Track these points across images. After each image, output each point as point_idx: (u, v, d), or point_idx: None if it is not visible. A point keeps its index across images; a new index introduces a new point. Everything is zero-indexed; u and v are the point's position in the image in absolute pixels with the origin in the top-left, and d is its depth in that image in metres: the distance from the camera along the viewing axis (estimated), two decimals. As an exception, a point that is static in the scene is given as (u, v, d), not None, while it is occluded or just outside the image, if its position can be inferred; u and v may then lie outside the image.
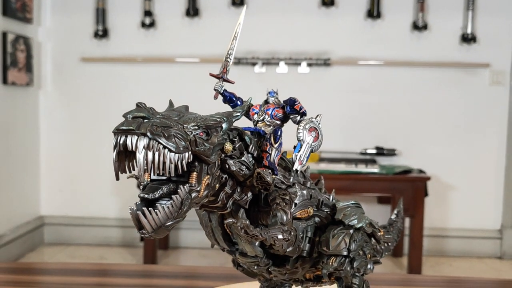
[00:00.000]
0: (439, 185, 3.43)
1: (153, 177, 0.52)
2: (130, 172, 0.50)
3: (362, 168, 3.05)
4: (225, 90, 0.63)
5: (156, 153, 0.47)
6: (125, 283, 1.01)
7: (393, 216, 0.86)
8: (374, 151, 3.39)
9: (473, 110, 3.45)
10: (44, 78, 3.57)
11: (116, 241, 3.60)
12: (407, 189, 2.98)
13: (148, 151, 0.47)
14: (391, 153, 3.39)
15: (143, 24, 3.45)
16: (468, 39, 3.36)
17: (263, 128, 0.61)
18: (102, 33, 3.46)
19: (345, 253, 0.63)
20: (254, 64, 3.41)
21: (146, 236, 0.49)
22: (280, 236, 0.56)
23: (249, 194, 0.58)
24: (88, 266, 1.17)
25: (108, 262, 3.22)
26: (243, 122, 0.60)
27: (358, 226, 0.65)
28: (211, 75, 0.63)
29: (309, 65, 3.42)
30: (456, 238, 3.51)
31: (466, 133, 3.46)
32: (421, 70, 3.44)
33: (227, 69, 0.63)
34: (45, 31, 3.54)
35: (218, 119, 0.53)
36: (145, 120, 0.48)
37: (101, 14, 3.45)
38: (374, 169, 3.02)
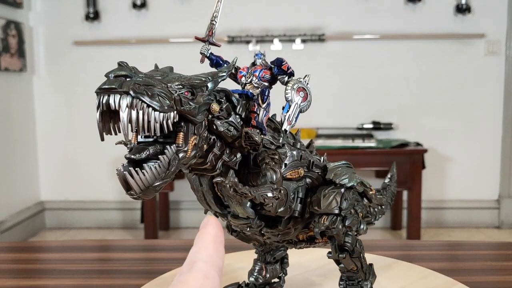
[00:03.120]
0: (436, 157, 3.44)
1: (139, 139, 0.52)
2: (116, 134, 0.49)
3: (359, 143, 3.05)
4: (211, 53, 0.62)
5: (140, 112, 0.46)
6: (126, 257, 1.02)
7: (386, 180, 0.86)
8: (370, 125, 3.39)
9: (469, 80, 3.44)
10: (37, 63, 3.54)
11: (117, 224, 3.62)
12: (404, 162, 2.99)
13: (132, 110, 0.46)
14: (388, 127, 3.38)
15: (135, 5, 3.41)
16: (462, 9, 3.33)
17: (251, 90, 0.60)
18: (93, 16, 3.42)
19: (336, 211, 0.62)
20: (248, 42, 3.38)
21: (134, 197, 0.48)
22: (269, 194, 0.56)
23: (238, 155, 0.57)
24: (89, 242, 1.17)
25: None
26: (230, 86, 0.60)
27: (349, 185, 0.64)
28: (197, 38, 0.63)
29: (304, 41, 3.39)
30: (454, 209, 3.53)
31: (462, 104, 3.45)
32: (416, 43, 3.42)
33: (213, 32, 0.62)
34: (36, 16, 3.51)
35: (203, 79, 0.53)
36: (127, 79, 0.47)
37: (91, -4, 3.41)
38: (371, 144, 3.03)
